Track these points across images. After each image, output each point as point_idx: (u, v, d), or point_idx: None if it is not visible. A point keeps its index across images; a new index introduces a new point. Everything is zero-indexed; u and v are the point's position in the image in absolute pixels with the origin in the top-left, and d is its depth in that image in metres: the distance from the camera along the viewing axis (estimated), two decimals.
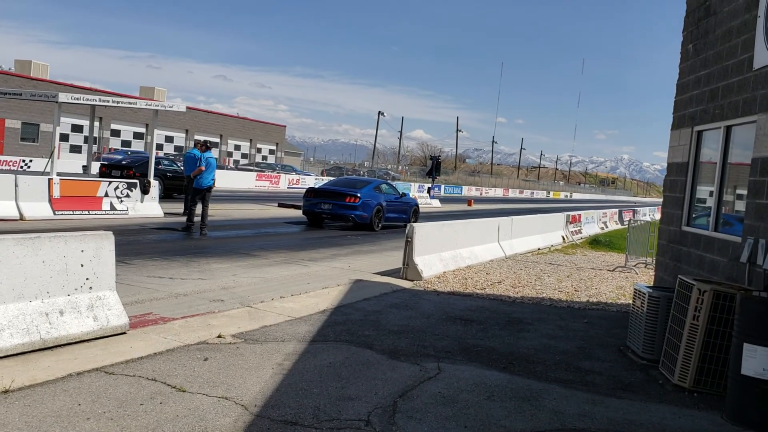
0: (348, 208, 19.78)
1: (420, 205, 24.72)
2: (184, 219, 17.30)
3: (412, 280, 11.33)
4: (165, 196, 23.06)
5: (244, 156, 70.96)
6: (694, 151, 9.11)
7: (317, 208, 20.17)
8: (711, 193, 8.47)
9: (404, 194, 23.54)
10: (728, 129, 8.07)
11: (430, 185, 44.34)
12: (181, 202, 20.94)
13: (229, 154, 68.58)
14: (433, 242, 12.43)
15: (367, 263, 13.34)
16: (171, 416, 4.64)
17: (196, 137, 62.63)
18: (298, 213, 24.68)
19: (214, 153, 63.52)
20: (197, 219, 16.37)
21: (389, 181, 26.75)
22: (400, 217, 21.72)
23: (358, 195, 19.92)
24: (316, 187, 21.46)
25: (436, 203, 40.71)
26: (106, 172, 23.28)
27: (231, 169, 51.69)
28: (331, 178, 46.15)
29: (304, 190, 21.78)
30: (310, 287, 10.10)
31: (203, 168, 16.38)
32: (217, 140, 67.11)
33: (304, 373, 5.86)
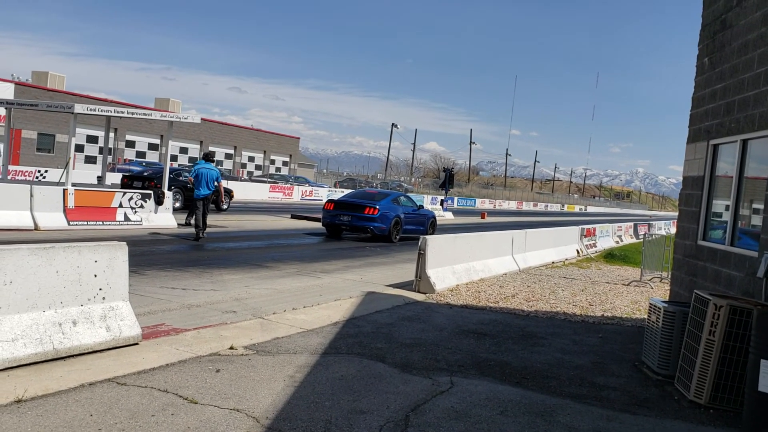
0: (367, 220, 20.03)
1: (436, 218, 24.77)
2: (195, 229, 17.70)
3: (425, 293, 11.29)
4: (185, 207, 22.98)
5: (257, 167, 71.20)
6: (710, 164, 9.04)
7: (337, 219, 20.44)
8: (727, 207, 8.40)
9: (421, 206, 23.82)
10: (744, 143, 8.01)
11: (443, 197, 44.34)
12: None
13: (243, 166, 68.83)
14: (446, 255, 12.39)
15: (380, 275, 13.31)
16: (182, 428, 4.63)
17: (210, 149, 63.07)
18: (311, 224, 24.85)
19: (226, 164, 63.86)
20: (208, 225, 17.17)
21: (407, 194, 26.94)
22: (417, 229, 21.84)
23: (377, 207, 20.16)
24: (336, 199, 21.75)
25: (449, 216, 40.64)
26: (128, 183, 23.34)
27: (245, 180, 51.86)
28: (348, 191, 46.30)
29: (324, 202, 22.03)
30: (323, 299, 10.08)
31: (191, 179, 17.14)
32: (231, 152, 67.43)
33: (316, 385, 5.84)
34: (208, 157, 17.84)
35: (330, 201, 21.36)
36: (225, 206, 26.53)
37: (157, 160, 50.30)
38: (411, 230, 21.51)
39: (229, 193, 27.24)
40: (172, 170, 24.10)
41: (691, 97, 9.87)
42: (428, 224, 22.92)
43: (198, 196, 16.88)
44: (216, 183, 17.02)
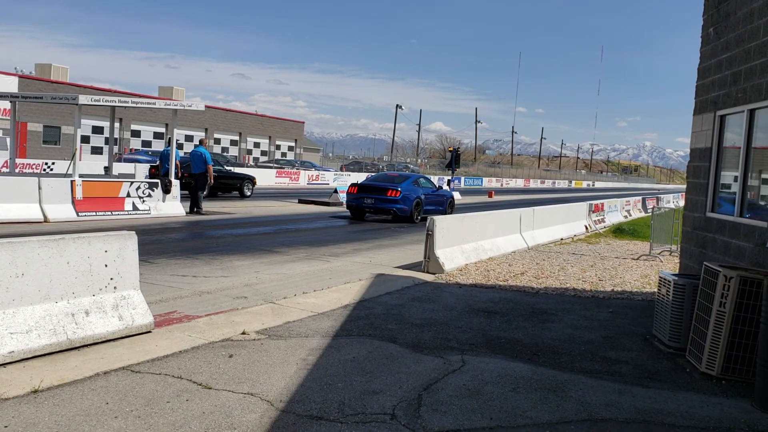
0: (390, 202, 20.87)
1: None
2: (204, 216, 19.15)
3: (434, 273, 11.31)
4: (209, 195, 24.08)
5: (263, 153, 71.22)
6: (717, 135, 8.99)
7: (362, 202, 21.36)
8: (735, 179, 8.36)
9: (440, 187, 24.90)
10: (752, 112, 7.95)
11: (449, 178, 44.22)
12: (223, 200, 25.18)
13: (249, 152, 68.85)
14: (454, 235, 12.39)
15: (389, 257, 13.33)
16: (198, 413, 4.68)
17: (216, 135, 63.10)
18: (319, 209, 24.99)
19: (232, 150, 63.86)
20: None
21: (426, 176, 27.60)
22: (437, 209, 22.46)
23: (399, 189, 20.98)
24: (359, 183, 22.72)
25: (456, 196, 40.56)
26: (156, 173, 23.73)
27: (251, 166, 51.89)
28: (354, 174, 46.33)
29: (347, 186, 23.16)
30: (332, 282, 10.11)
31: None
32: (237, 138, 67.47)
33: (329, 367, 5.87)
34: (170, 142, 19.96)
35: (353, 185, 22.24)
36: (248, 192, 28.27)
37: (162, 149, 50.31)
38: (431, 210, 21.99)
39: (251, 180, 29.01)
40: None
41: (697, 68, 9.80)
42: (447, 204, 23.54)
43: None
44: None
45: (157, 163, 23.82)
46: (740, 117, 8.23)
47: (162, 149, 20.51)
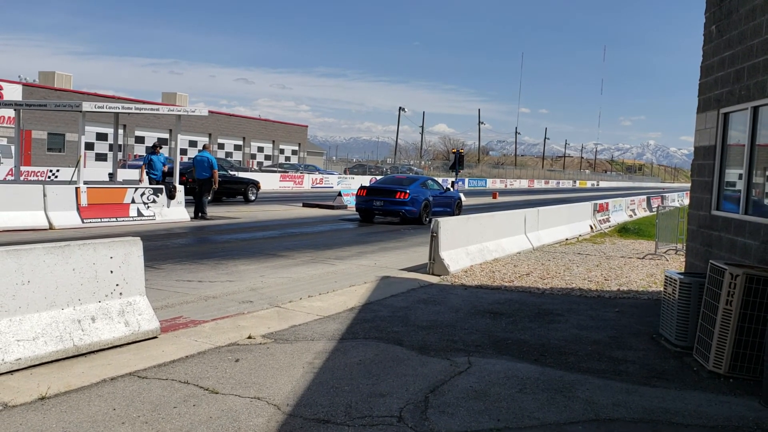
0: (399, 204, 21.16)
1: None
2: (209, 222, 19.22)
3: (439, 275, 11.30)
4: (214, 200, 24.26)
5: (267, 158, 71.27)
6: (721, 133, 8.97)
7: (371, 205, 21.65)
8: (740, 176, 8.34)
9: (448, 189, 24.92)
10: (755, 110, 7.93)
11: (453, 179, 44.23)
12: (227, 204, 25.56)
13: (253, 156, 68.93)
14: (458, 236, 12.38)
15: (394, 260, 13.33)
16: (205, 418, 4.68)
17: (220, 140, 63.17)
18: (323, 212, 25.03)
19: (235, 155, 63.94)
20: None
21: (433, 178, 27.82)
22: (445, 211, 22.64)
23: (408, 191, 21.25)
24: (368, 185, 23.05)
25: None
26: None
27: (255, 171, 51.93)
28: (358, 177, 46.42)
29: (357, 188, 23.54)
30: (338, 285, 10.11)
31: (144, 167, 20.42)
32: (240, 143, 67.58)
33: (335, 371, 5.87)
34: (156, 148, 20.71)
35: (363, 187, 22.56)
36: (253, 197, 28.30)
37: (166, 154, 50.38)
38: (439, 212, 22.13)
39: (256, 184, 29.05)
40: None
41: (700, 66, 9.78)
42: (455, 205, 23.73)
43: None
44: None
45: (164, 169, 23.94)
46: (744, 114, 8.22)
47: (161, 155, 20.68)
